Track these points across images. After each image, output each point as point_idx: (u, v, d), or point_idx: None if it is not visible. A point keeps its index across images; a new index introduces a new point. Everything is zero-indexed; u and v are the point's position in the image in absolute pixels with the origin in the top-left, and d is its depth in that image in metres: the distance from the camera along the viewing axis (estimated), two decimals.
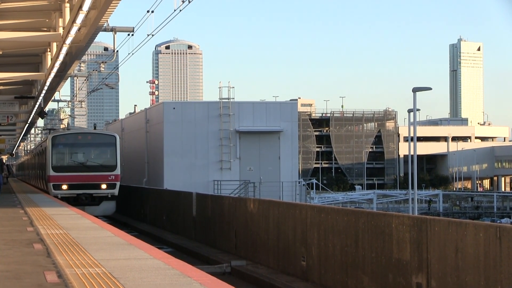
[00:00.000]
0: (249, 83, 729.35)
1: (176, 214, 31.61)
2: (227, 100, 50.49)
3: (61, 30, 19.38)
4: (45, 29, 21.52)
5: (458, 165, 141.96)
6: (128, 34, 29.16)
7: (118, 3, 16.42)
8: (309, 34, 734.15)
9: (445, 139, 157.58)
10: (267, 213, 20.76)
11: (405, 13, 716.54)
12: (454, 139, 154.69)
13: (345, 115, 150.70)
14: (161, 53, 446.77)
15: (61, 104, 59.40)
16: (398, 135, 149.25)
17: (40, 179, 41.25)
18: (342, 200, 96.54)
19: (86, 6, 15.39)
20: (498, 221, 76.45)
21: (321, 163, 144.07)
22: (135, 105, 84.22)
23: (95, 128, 41.78)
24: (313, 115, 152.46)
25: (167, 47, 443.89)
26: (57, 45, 21.36)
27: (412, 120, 41.72)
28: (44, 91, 29.15)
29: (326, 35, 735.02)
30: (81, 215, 21.04)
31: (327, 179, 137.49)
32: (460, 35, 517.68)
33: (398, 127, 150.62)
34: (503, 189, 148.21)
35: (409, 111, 44.03)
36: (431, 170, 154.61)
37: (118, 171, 34.75)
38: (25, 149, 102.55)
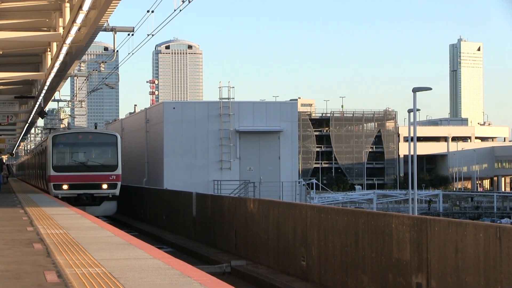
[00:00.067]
0: (249, 83, 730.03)
1: (176, 214, 31.60)
2: (227, 100, 50.49)
3: (61, 30, 19.38)
4: (45, 29, 21.51)
5: (458, 165, 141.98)
6: (128, 34, 29.17)
7: (118, 3, 16.42)
8: (309, 34, 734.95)
9: (445, 139, 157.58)
10: (267, 213, 20.76)
11: (405, 13, 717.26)
12: (454, 139, 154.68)
13: (345, 115, 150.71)
14: (161, 53, 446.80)
15: (61, 104, 59.43)
16: (398, 135, 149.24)
17: (41, 179, 41.16)
18: (342, 200, 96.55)
19: (86, 6, 15.39)
20: (498, 221, 76.44)
21: (321, 163, 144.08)
22: (135, 105, 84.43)
23: (96, 127, 41.69)
24: (313, 115, 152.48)
25: (167, 47, 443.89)
26: (57, 45, 21.35)
27: (412, 120, 41.73)
28: (44, 91, 29.13)
29: (326, 35, 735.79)
30: (81, 215, 21.04)
31: (327, 179, 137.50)
32: (460, 35, 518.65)
33: (398, 127, 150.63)
34: (503, 189, 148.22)
35: (409, 111, 44.03)
36: (431, 170, 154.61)
37: (119, 171, 34.51)
38: (25, 149, 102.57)
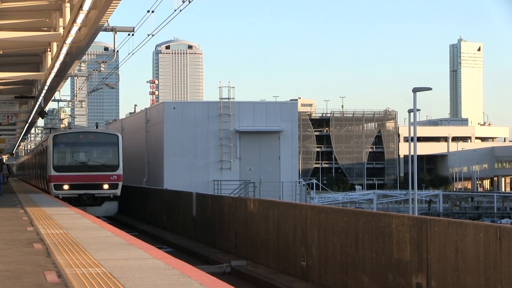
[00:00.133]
0: (249, 83, 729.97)
1: (176, 214, 31.59)
2: (227, 100, 50.48)
3: (61, 30, 19.38)
4: (46, 29, 21.52)
5: (458, 165, 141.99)
6: (128, 34, 29.16)
7: (118, 3, 16.43)
8: (309, 34, 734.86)
9: (445, 139, 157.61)
10: (267, 213, 20.76)
11: (405, 13, 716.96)
12: (454, 139, 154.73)
13: (345, 115, 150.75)
14: (161, 53, 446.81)
15: (61, 104, 59.41)
16: (398, 135, 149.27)
17: (41, 179, 41.07)
18: (342, 200, 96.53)
19: (86, 6, 15.39)
20: (498, 222, 76.47)
21: (321, 163, 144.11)
22: (135, 105, 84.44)
23: (97, 127, 41.62)
24: (313, 115, 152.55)
25: (167, 47, 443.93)
26: (57, 45, 21.35)
27: (412, 120, 41.74)
28: (44, 91, 29.13)
29: (326, 35, 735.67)
30: (81, 215, 21.04)
31: (327, 179, 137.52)
32: (460, 35, 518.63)
33: (398, 127, 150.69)
34: (503, 190, 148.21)
35: (409, 111, 44.05)
36: (431, 170, 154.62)
37: (120, 171, 34.27)
38: (25, 148, 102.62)
